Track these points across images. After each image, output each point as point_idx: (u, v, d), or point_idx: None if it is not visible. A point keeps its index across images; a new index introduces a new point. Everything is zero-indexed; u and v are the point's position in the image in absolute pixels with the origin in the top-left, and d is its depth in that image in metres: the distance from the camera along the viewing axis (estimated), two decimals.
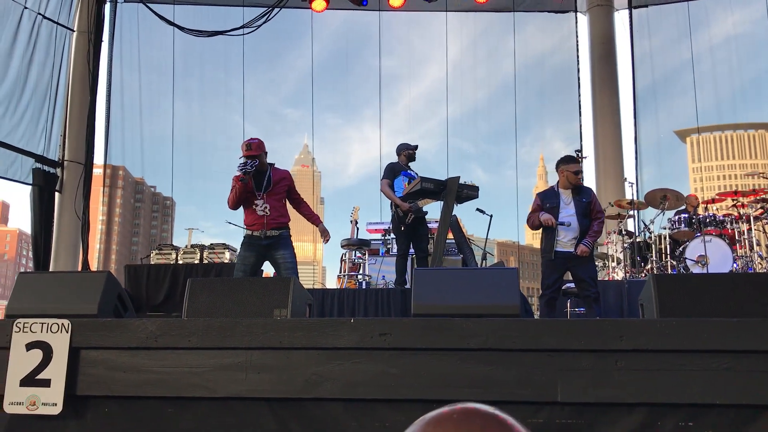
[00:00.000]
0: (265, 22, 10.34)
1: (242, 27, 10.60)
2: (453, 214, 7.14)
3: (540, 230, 6.05)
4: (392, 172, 7.27)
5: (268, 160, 5.85)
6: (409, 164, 7.48)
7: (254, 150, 5.66)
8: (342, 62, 16.60)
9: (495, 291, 3.60)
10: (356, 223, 9.54)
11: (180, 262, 8.44)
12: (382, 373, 3.19)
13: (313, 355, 3.26)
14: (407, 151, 7.48)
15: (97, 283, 3.87)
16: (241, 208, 5.83)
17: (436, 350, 3.19)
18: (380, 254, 9.35)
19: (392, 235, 9.73)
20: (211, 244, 8.71)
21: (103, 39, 11.53)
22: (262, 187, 5.67)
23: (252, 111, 14.01)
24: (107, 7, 11.68)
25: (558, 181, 6.17)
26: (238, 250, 5.88)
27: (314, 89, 13.66)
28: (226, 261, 8.43)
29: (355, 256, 9.21)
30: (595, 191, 11.54)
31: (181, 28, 10.90)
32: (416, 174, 7.24)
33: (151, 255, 8.70)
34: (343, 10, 12.35)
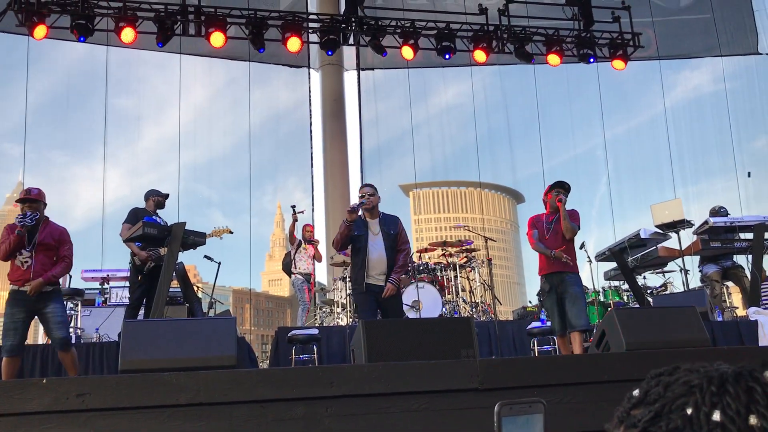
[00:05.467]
0: None
1: None
2: (179, 261, 6.86)
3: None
4: (135, 218, 6.77)
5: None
6: (157, 211, 7.06)
7: (34, 196, 5.44)
8: (68, 97, 15.40)
9: (211, 342, 3.51)
10: None
11: None
12: None
13: None
14: (156, 198, 7.08)
15: None
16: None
17: (143, 408, 2.99)
18: (96, 305, 8.57)
19: (119, 284, 8.99)
20: None
21: None
22: (32, 240, 5.41)
23: None
24: None
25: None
26: (5, 308, 5.43)
27: (32, 124, 12.40)
28: None
29: (67, 306, 8.33)
30: (324, 241, 12.04)
31: None
32: (165, 222, 6.83)
33: None
34: (67, 41, 11.38)
